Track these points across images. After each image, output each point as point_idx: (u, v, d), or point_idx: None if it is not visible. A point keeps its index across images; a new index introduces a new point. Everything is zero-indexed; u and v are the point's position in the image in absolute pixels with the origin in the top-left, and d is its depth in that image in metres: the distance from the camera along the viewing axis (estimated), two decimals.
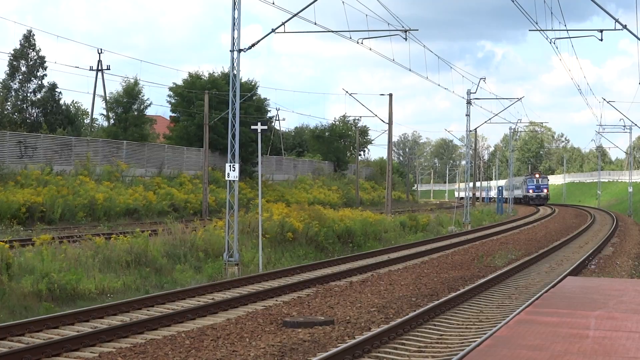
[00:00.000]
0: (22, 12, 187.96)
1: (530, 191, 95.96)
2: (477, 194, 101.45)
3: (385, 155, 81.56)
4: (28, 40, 53.70)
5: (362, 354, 11.49)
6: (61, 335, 12.84)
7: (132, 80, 54.37)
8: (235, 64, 22.61)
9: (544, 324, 9.85)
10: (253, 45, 23.24)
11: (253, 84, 59.90)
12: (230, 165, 22.21)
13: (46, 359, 11.42)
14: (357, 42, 27.77)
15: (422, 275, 21.65)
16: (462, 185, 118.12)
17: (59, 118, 54.19)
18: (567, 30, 57.39)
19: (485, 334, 12.29)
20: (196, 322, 14.44)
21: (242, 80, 58.22)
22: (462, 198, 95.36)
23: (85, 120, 67.52)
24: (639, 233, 42.65)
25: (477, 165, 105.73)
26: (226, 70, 56.32)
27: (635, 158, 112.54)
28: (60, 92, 55.78)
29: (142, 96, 55.08)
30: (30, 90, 53.76)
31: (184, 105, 58.29)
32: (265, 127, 23.35)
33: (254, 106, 57.77)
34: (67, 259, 19.28)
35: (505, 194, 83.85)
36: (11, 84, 53.52)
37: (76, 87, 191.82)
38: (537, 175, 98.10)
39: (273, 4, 23.17)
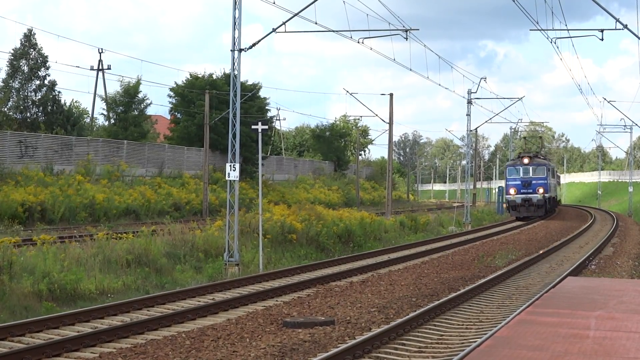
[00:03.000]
0: (22, 11, 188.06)
1: (512, 191, 53.28)
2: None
3: (385, 155, 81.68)
4: (29, 39, 53.70)
5: (363, 354, 11.49)
6: (61, 336, 12.84)
7: (132, 81, 54.49)
8: (235, 64, 22.63)
9: (544, 324, 9.86)
10: (254, 45, 23.25)
11: (255, 84, 59.95)
12: (230, 165, 22.22)
13: (46, 359, 11.43)
14: (358, 42, 27.81)
15: (423, 276, 21.65)
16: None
17: (59, 118, 54.22)
18: (568, 30, 57.32)
19: (485, 334, 12.29)
20: (196, 322, 14.45)
21: (245, 82, 58.35)
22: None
23: (85, 120, 67.59)
24: (639, 233, 42.66)
25: (477, 165, 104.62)
26: (227, 70, 56.43)
27: (635, 158, 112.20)
28: (59, 92, 55.86)
29: (144, 96, 55.19)
30: (31, 90, 53.78)
31: (185, 105, 58.36)
32: (266, 127, 23.36)
33: (255, 106, 57.83)
34: (68, 259, 19.29)
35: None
36: (12, 83, 53.52)
37: (77, 87, 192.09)
38: (525, 161, 54.03)
39: (274, 3, 23.19)
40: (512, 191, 53.10)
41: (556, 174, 68.05)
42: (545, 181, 53.62)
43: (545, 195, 53.04)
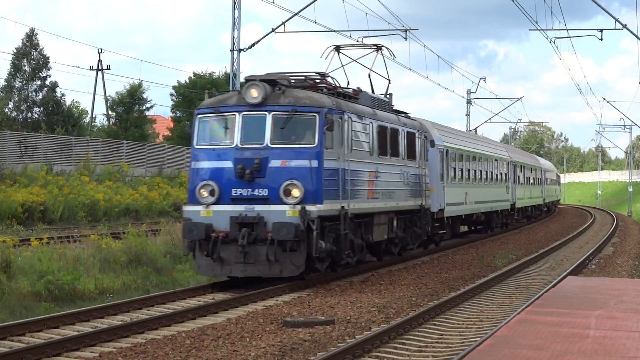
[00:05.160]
0: (21, 11, 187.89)
1: (204, 193, 16.68)
2: None
3: None
4: (31, 39, 53.77)
5: (363, 353, 11.48)
6: (61, 335, 12.83)
7: (136, 82, 54.64)
8: (235, 64, 22.65)
9: (544, 324, 9.86)
10: (253, 44, 23.31)
11: None
12: None
13: (46, 359, 11.42)
14: (357, 41, 27.82)
15: (423, 275, 21.63)
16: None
17: (60, 118, 54.29)
18: (567, 29, 57.34)
19: (485, 333, 12.28)
20: (196, 321, 14.43)
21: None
22: None
23: (85, 120, 67.65)
24: (639, 232, 42.65)
25: None
26: (227, 70, 56.42)
27: (634, 158, 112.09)
28: (63, 94, 55.96)
29: (146, 97, 55.33)
30: (32, 90, 53.87)
31: (187, 104, 58.37)
32: None
33: None
34: (66, 259, 19.28)
35: None
36: (13, 83, 53.63)
37: (76, 87, 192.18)
38: (253, 95, 15.98)
39: (273, 3, 23.19)
40: (202, 193, 16.94)
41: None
42: (315, 162, 16.49)
43: (313, 207, 16.57)
